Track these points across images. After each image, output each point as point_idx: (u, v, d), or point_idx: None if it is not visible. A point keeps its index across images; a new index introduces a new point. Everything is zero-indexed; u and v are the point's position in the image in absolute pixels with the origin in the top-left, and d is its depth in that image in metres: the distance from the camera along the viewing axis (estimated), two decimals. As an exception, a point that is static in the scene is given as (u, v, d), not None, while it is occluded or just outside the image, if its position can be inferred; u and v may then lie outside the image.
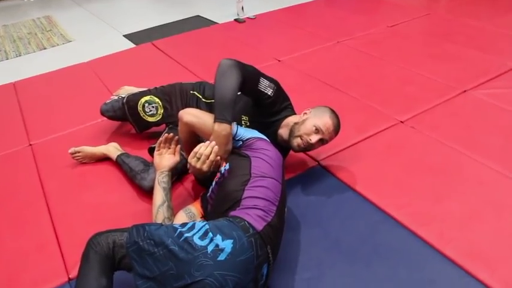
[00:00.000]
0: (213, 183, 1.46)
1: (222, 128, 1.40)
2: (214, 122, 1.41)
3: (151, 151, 1.85)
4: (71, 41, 3.78)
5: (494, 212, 1.54)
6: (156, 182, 1.49)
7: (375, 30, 3.33)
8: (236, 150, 1.45)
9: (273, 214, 1.25)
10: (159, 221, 1.42)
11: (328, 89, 2.49)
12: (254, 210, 1.23)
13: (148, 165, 1.76)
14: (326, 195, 1.68)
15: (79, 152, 1.93)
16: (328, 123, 1.57)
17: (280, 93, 1.63)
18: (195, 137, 1.55)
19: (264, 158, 1.38)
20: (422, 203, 1.60)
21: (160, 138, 1.54)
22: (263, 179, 1.31)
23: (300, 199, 1.67)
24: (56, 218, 1.66)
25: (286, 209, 1.38)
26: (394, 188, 1.69)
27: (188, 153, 1.62)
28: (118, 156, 1.89)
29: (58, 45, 3.71)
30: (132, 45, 3.50)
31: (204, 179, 1.63)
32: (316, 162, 1.85)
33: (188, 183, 1.79)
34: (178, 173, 1.74)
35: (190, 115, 1.50)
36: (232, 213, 1.22)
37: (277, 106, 1.63)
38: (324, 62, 2.86)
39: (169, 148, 1.55)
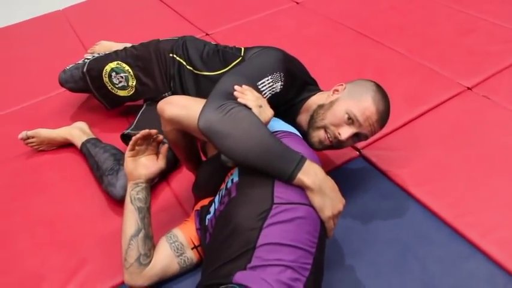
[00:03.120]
0: (217, 198, 0.96)
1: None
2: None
3: (125, 138, 1.34)
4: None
5: None
6: (128, 199, 0.99)
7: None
8: None
9: (307, 273, 0.76)
10: (132, 259, 0.95)
11: (364, 41, 1.89)
12: (277, 269, 0.73)
13: (120, 162, 1.25)
14: (370, 201, 1.18)
15: (33, 137, 1.44)
16: (369, 109, 1.00)
17: (290, 72, 1.06)
18: (190, 139, 1.04)
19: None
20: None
21: (135, 136, 0.99)
22: (293, 208, 0.80)
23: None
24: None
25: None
26: (471, 195, 1.16)
27: (185, 161, 1.14)
28: (83, 143, 1.39)
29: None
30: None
31: (208, 188, 1.04)
32: (357, 152, 1.33)
33: (177, 183, 1.29)
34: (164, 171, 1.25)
35: (175, 106, 0.94)
36: (239, 277, 0.72)
37: (293, 88, 1.09)
38: (357, 4, 2.22)
39: (148, 148, 1.02)
